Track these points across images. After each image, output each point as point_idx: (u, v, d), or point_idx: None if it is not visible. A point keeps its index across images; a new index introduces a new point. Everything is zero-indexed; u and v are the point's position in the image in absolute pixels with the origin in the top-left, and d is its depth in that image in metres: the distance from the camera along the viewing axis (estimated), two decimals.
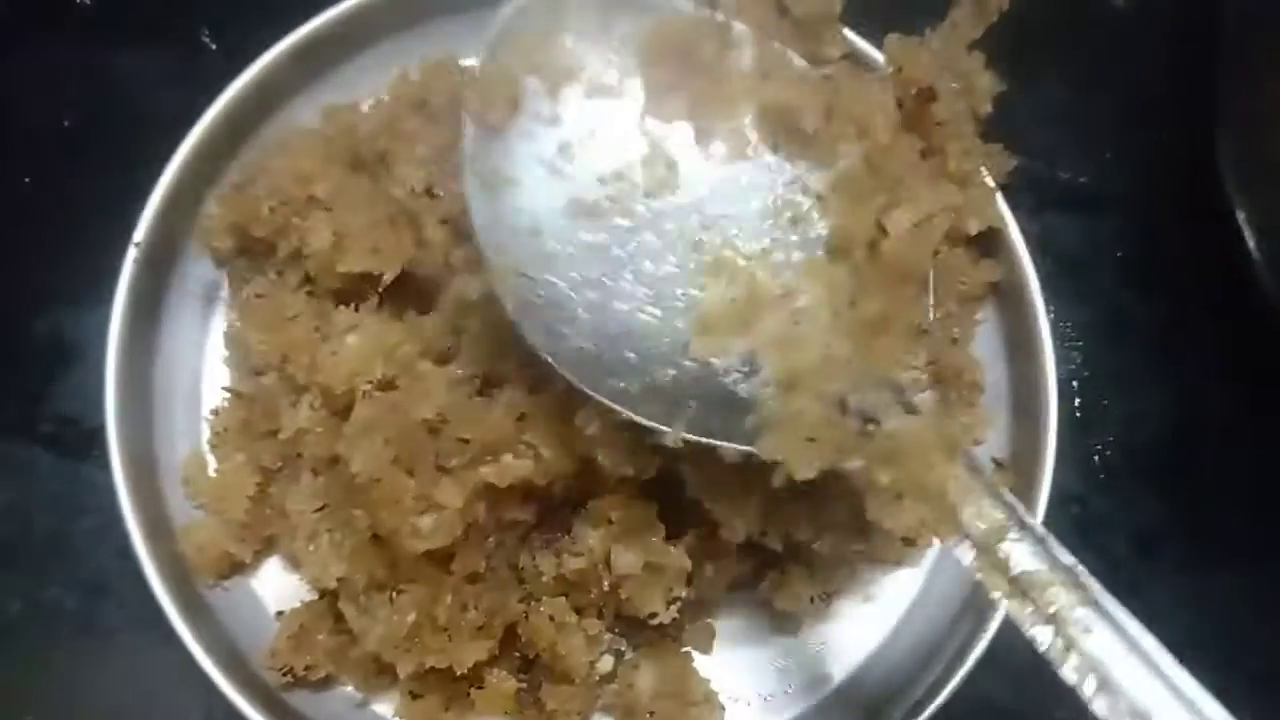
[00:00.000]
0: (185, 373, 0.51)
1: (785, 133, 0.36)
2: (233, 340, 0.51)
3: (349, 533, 0.44)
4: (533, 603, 0.45)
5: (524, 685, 0.46)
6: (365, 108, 0.51)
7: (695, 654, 0.49)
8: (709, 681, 0.48)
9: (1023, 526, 0.36)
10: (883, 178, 0.37)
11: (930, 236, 0.37)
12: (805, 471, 0.35)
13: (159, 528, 0.47)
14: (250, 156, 0.51)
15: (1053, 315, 0.50)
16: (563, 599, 0.45)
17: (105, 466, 0.46)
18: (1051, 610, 0.35)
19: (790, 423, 0.36)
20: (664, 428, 0.36)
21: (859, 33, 0.50)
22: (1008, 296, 0.51)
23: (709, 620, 0.50)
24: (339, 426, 0.44)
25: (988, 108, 0.49)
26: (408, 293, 0.46)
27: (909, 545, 0.49)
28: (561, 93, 0.37)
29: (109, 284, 0.47)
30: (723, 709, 0.48)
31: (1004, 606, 0.36)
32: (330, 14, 0.50)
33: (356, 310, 0.46)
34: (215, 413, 0.50)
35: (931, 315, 0.39)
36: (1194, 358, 0.58)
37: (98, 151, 0.57)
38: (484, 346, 0.43)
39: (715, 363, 0.36)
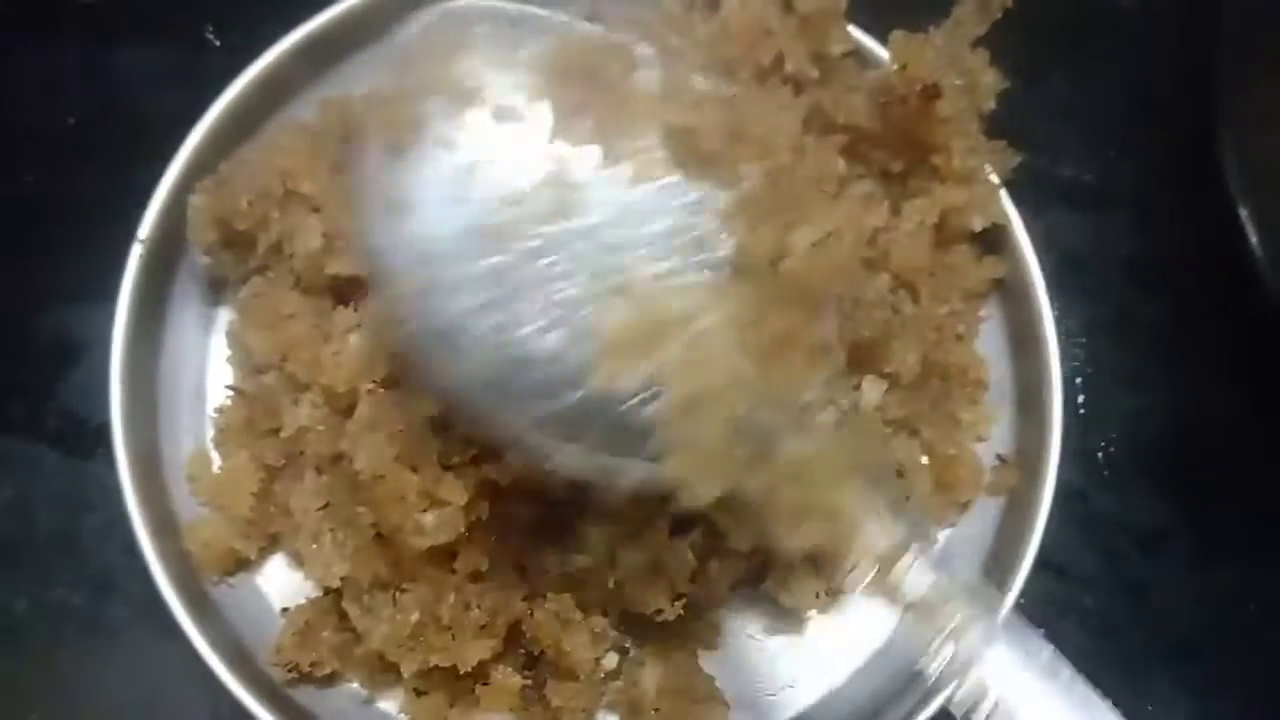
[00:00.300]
0: (190, 370, 0.51)
1: (689, 154, 0.35)
2: (233, 338, 0.51)
3: (352, 531, 0.44)
4: (537, 600, 0.45)
5: (529, 682, 0.46)
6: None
7: (700, 651, 0.49)
8: (714, 679, 0.48)
9: (924, 543, 0.37)
10: (785, 197, 0.36)
11: (832, 255, 0.36)
12: (708, 493, 0.35)
13: (164, 525, 0.47)
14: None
15: (1057, 312, 0.50)
16: (567, 596, 0.45)
17: (110, 464, 0.46)
18: (950, 626, 0.35)
19: (691, 445, 0.35)
20: (568, 446, 0.36)
21: (864, 30, 0.50)
22: (1012, 293, 0.51)
23: (714, 617, 0.49)
24: (341, 424, 0.44)
25: (991, 105, 0.49)
26: None
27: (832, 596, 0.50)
28: (465, 115, 0.35)
29: (113, 281, 0.47)
30: (728, 706, 0.48)
31: (902, 622, 0.36)
32: (336, 9, 0.50)
33: (356, 310, 0.46)
34: (219, 410, 0.50)
35: (834, 335, 0.38)
36: (1199, 355, 0.58)
37: (101, 149, 0.57)
38: None
39: (618, 387, 0.35)
